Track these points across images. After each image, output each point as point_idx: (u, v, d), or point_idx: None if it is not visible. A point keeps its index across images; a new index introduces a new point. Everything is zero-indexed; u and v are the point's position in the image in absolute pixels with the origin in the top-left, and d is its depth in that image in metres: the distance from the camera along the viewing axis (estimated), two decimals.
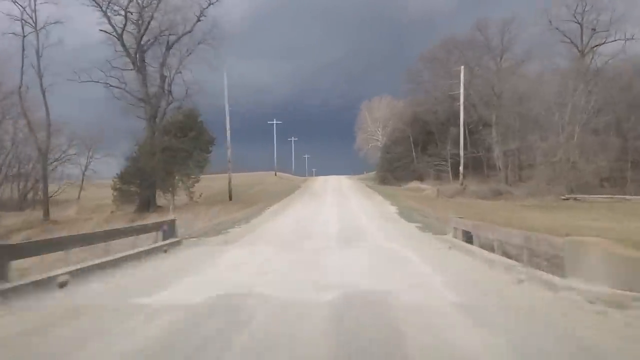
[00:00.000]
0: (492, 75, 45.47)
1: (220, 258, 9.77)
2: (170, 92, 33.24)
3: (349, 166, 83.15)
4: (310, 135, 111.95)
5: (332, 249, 11.06)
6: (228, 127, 35.96)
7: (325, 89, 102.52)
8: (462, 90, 39.86)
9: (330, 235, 13.76)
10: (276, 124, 71.74)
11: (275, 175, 68.01)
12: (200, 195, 31.05)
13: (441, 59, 49.71)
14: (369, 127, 78.02)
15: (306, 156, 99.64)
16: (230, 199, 34.13)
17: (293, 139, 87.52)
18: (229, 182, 35.32)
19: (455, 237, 11.02)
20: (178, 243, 11.67)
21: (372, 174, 67.34)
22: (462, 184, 39.03)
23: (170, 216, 16.21)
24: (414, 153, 53.20)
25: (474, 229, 9.98)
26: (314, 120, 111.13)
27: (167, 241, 11.24)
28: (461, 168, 40.37)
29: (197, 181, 31.30)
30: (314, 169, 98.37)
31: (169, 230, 11.73)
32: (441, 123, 48.24)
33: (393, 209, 22.93)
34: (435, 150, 49.23)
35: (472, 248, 9.48)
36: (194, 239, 13.34)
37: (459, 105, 40.36)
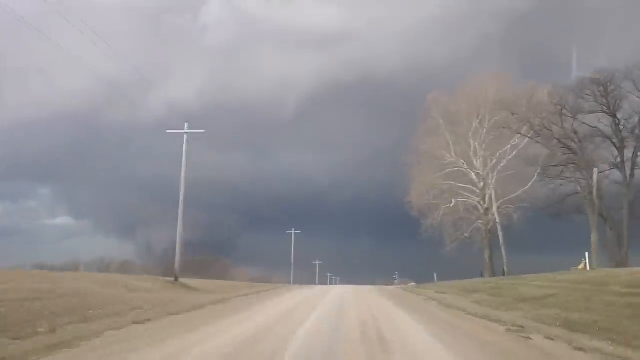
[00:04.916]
0: None
1: None
2: None
3: (399, 268, 69.51)
4: (345, 230, 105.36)
5: None
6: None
7: (363, 181, 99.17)
8: None
9: None
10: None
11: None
12: None
13: None
14: (449, 154, 34.85)
15: (292, 231, 63.85)
16: None
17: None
18: None
19: None
20: None
21: (472, 282, 26.60)
22: None
23: None
24: None
25: None
26: (346, 215, 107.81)
27: None
28: None
29: None
30: (328, 274, 71.03)
31: None
32: None
33: None
34: None
35: None
36: None
37: None
